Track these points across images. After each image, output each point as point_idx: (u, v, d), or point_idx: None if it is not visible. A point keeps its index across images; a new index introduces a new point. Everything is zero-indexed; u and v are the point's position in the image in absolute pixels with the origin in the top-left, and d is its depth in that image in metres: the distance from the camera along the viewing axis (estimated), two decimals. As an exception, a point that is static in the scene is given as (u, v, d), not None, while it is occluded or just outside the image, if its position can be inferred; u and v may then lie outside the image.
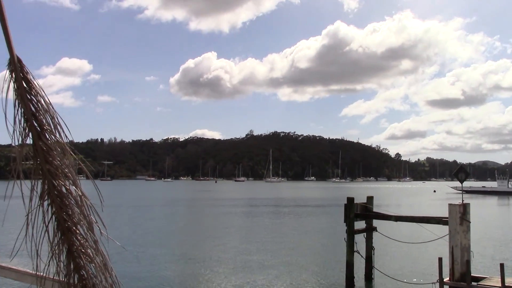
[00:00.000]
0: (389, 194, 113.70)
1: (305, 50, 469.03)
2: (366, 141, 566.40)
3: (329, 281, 21.22)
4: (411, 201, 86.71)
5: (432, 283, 17.23)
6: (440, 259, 16.73)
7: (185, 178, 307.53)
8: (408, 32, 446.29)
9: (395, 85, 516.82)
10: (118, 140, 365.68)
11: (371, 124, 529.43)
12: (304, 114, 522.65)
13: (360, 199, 22.49)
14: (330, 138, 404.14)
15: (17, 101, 3.16)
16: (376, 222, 21.68)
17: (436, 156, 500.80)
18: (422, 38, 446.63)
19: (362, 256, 20.70)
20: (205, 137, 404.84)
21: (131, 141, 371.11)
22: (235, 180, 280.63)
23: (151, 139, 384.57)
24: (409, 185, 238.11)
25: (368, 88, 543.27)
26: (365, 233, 21.19)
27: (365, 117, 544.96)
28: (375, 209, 21.97)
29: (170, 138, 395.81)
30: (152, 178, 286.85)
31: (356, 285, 19.99)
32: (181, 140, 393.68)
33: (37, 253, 3.21)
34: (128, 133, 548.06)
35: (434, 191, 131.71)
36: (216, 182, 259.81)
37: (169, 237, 35.80)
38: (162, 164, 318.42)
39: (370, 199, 21.91)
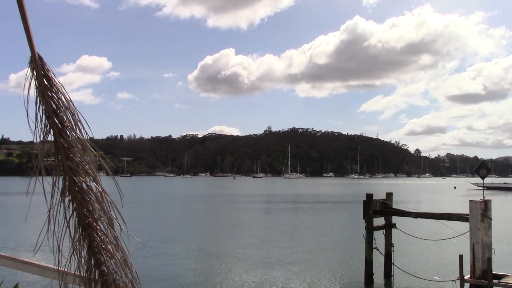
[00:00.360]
0: (409, 191, 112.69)
1: (323, 46, 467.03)
2: (385, 137, 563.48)
3: (348, 278, 21.13)
4: (431, 197, 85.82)
5: (453, 280, 17.04)
6: (461, 257, 16.53)
7: (203, 175, 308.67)
8: (428, 26, 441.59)
9: (415, 80, 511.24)
10: (138, 136, 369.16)
11: (390, 120, 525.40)
12: (323, 110, 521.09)
13: (379, 195, 22.33)
14: (349, 134, 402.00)
15: (38, 98, 3.20)
16: (395, 219, 21.51)
17: (456, 152, 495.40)
18: (442, 33, 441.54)
19: (381, 253, 20.55)
20: (223, 134, 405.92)
21: (150, 137, 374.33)
22: (253, 177, 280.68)
23: (170, 135, 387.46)
24: (429, 181, 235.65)
25: (387, 83, 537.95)
26: (384, 230, 21.03)
27: (384, 113, 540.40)
28: (394, 206, 21.79)
29: (189, 134, 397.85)
30: (171, 175, 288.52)
31: (375, 282, 19.87)
32: (199, 136, 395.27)
33: (59, 248, 3.25)
34: (147, 130, 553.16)
35: (455, 188, 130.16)
36: (234, 178, 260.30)
37: (188, 233, 36.00)
38: (180, 161, 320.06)
39: (389, 195, 21.73)
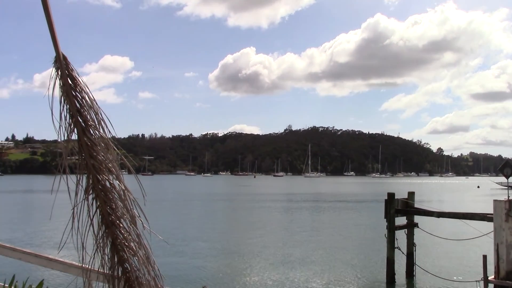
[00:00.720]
0: (431, 190, 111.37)
1: (344, 44, 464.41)
2: (407, 135, 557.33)
3: (370, 278, 20.98)
4: (453, 196, 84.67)
5: (476, 281, 16.78)
6: (484, 257, 16.28)
7: (224, 173, 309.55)
8: (451, 23, 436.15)
9: (437, 78, 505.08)
10: (159, 135, 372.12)
11: (412, 119, 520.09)
12: (343, 109, 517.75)
13: (401, 194, 22.10)
14: (370, 132, 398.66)
15: (62, 97, 3.24)
16: (417, 218, 21.26)
17: (480, 150, 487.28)
18: (465, 30, 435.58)
19: (403, 253, 20.35)
20: (244, 132, 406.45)
21: (171, 136, 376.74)
22: (274, 175, 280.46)
23: (191, 134, 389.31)
24: (451, 180, 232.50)
25: (409, 81, 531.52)
26: (406, 229, 20.81)
27: (405, 111, 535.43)
28: (416, 205, 21.54)
29: (209, 133, 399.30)
30: (191, 173, 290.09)
31: (397, 282, 19.69)
32: (220, 135, 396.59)
33: (83, 246, 3.29)
34: (168, 129, 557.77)
35: (478, 187, 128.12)
36: (255, 177, 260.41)
37: (209, 232, 36.17)
38: (201, 159, 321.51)
39: (411, 194, 21.49)
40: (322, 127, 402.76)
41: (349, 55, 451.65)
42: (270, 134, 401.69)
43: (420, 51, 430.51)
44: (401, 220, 20.90)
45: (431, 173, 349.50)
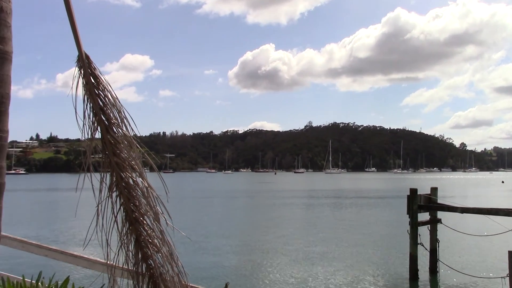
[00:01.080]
0: (454, 185, 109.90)
1: (364, 39, 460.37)
2: (429, 130, 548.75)
3: (392, 274, 20.82)
4: (477, 192, 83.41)
5: (502, 277, 16.50)
6: (510, 253, 15.98)
7: (244, 170, 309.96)
8: (473, 16, 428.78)
9: (459, 72, 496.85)
10: (180, 133, 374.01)
11: (434, 113, 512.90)
12: (364, 104, 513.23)
13: (424, 190, 21.85)
14: (391, 128, 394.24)
15: (85, 96, 3.29)
16: (440, 214, 20.99)
17: (504, 145, 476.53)
18: (488, 23, 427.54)
19: (426, 249, 20.12)
20: (264, 129, 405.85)
21: (192, 134, 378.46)
22: (295, 172, 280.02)
23: (211, 131, 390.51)
24: (475, 175, 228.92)
25: (431, 76, 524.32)
26: (429, 225, 20.58)
27: (427, 106, 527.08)
28: (439, 201, 21.26)
29: (230, 130, 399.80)
30: (212, 170, 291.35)
31: (421, 278, 19.49)
32: (240, 132, 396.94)
33: (107, 242, 3.33)
34: (189, 126, 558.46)
35: (503, 182, 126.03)
36: (275, 173, 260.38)
37: (231, 228, 36.31)
38: (222, 156, 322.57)
39: (434, 190, 21.23)
40: (342, 123, 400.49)
41: (369, 50, 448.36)
42: (290, 130, 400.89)
43: (442, 44, 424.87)
44: (424, 216, 20.68)
45: (454, 169, 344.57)
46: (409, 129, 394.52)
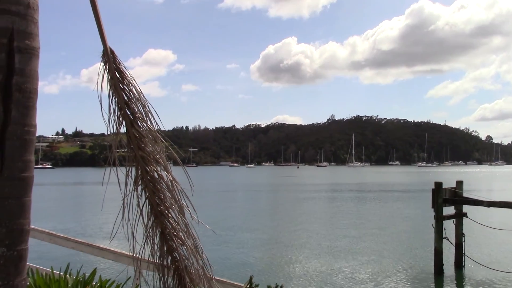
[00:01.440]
0: (480, 179, 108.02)
1: (387, 31, 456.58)
2: (454, 123, 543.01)
3: (417, 269, 20.61)
4: (504, 185, 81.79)
5: (530, 272, 16.23)
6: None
7: (267, 164, 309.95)
8: (499, 6, 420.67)
9: (485, 63, 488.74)
10: (202, 127, 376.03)
11: (459, 106, 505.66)
12: (387, 97, 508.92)
13: (449, 183, 21.52)
14: (415, 121, 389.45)
15: (111, 91, 3.32)
16: (466, 208, 20.67)
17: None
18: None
19: (451, 243, 19.84)
20: (286, 123, 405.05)
21: (214, 128, 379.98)
22: (317, 166, 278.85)
23: (234, 125, 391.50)
24: (502, 169, 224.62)
25: (456, 68, 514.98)
26: (454, 219, 20.29)
27: (452, 99, 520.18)
28: (465, 194, 20.94)
29: (252, 124, 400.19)
30: (235, 164, 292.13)
31: (446, 273, 19.26)
32: (262, 126, 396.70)
33: (133, 235, 3.37)
34: (211, 120, 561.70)
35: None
36: (298, 167, 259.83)
37: (255, 222, 36.39)
38: (244, 150, 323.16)
39: (459, 183, 20.91)
40: (365, 116, 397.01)
41: (393, 42, 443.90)
42: (313, 124, 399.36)
43: (467, 36, 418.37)
44: (449, 210, 20.40)
45: (480, 162, 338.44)
46: (434, 122, 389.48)
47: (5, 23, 2.62)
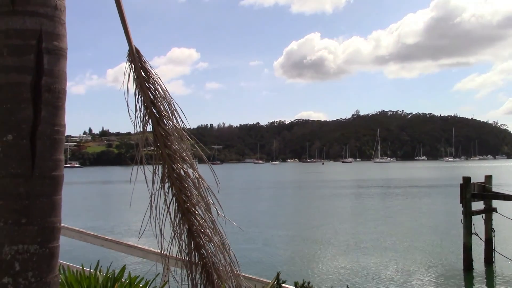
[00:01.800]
0: (510, 173, 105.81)
1: (412, 24, 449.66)
2: (481, 117, 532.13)
3: (446, 265, 20.33)
4: (536, 180, 79.98)
5: None
6: None
7: (292, 161, 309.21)
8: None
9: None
10: (227, 125, 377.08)
11: (487, 99, 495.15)
12: (413, 91, 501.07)
13: (477, 178, 21.13)
14: (442, 115, 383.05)
15: (137, 89, 3.36)
16: (496, 203, 20.28)
17: None
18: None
19: (481, 239, 19.51)
20: (311, 119, 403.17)
21: (238, 125, 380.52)
22: (342, 162, 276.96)
23: (258, 122, 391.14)
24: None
25: (483, 60, 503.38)
26: (483, 215, 19.93)
27: (480, 92, 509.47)
28: (494, 189, 20.55)
29: (276, 121, 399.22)
30: (260, 161, 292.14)
31: (475, 269, 18.95)
32: (287, 122, 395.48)
33: (161, 232, 3.41)
34: (235, 118, 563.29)
35: None
36: (323, 163, 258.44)
37: (281, 219, 36.41)
38: (269, 147, 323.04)
39: (488, 178, 20.52)
40: (391, 111, 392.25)
41: (418, 36, 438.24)
42: (337, 120, 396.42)
43: (494, 27, 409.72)
44: (477, 205, 20.05)
45: (509, 156, 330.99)
46: (461, 116, 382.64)
47: (33, 25, 2.67)
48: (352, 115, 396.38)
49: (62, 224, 2.93)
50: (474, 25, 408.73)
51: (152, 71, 3.39)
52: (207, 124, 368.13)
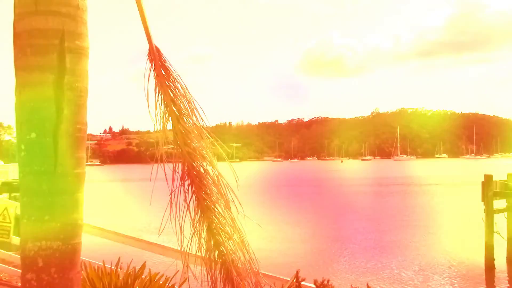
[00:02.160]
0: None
1: (433, 21, 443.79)
2: (504, 113, 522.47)
3: (467, 264, 20.06)
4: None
5: None
6: None
7: (311, 158, 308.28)
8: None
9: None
10: (245, 123, 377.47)
11: (509, 95, 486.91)
12: (433, 88, 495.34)
13: (499, 176, 20.82)
14: (463, 112, 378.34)
15: (157, 88, 3.38)
16: (519, 201, 19.95)
17: None
18: None
19: (503, 238, 19.22)
20: (330, 117, 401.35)
21: (257, 123, 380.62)
22: (362, 159, 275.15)
23: (276, 120, 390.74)
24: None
25: (505, 56, 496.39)
26: (506, 213, 19.63)
27: (502, 88, 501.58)
28: (517, 187, 20.22)
29: (295, 119, 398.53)
30: (279, 159, 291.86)
31: (497, 268, 18.69)
32: (305, 120, 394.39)
33: (180, 230, 3.43)
34: (254, 116, 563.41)
35: None
36: (342, 161, 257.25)
37: (300, 217, 36.29)
38: (288, 145, 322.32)
39: (510, 176, 20.22)
40: (411, 108, 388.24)
41: (439, 32, 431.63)
42: (356, 117, 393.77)
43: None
44: (500, 204, 19.74)
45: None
46: (482, 113, 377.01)
47: (56, 24, 2.71)
48: (371, 112, 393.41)
49: (84, 222, 2.97)
50: (496, 21, 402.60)
51: (172, 69, 3.41)
52: (225, 122, 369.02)
